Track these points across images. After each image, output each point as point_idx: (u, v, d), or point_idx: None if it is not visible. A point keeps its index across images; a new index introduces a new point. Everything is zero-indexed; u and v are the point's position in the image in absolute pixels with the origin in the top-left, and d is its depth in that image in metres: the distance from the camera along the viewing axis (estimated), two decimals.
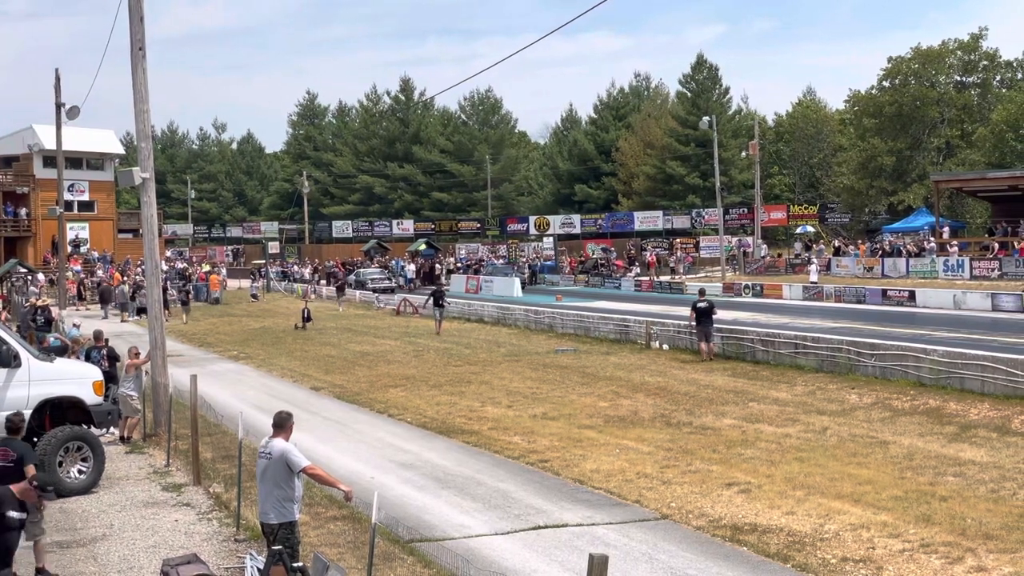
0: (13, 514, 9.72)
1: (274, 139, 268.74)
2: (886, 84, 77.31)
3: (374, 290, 63.97)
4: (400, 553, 12.29)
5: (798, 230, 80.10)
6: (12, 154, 75.54)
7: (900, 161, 75.53)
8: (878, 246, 62.57)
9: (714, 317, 30.45)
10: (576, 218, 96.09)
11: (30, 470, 11.80)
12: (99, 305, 53.66)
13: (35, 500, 10.08)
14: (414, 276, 75.36)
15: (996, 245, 53.25)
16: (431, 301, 43.16)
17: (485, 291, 64.39)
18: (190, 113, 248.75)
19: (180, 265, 78.78)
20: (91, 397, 16.82)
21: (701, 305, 30.23)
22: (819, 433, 18.97)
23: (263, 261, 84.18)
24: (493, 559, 12.21)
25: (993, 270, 50.01)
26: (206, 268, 75.97)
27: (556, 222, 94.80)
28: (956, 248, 55.21)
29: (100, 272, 67.51)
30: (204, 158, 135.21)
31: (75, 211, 74.26)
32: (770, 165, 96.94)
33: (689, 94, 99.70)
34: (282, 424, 10.66)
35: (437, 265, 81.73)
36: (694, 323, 30.38)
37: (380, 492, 10.93)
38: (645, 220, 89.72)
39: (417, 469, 17.16)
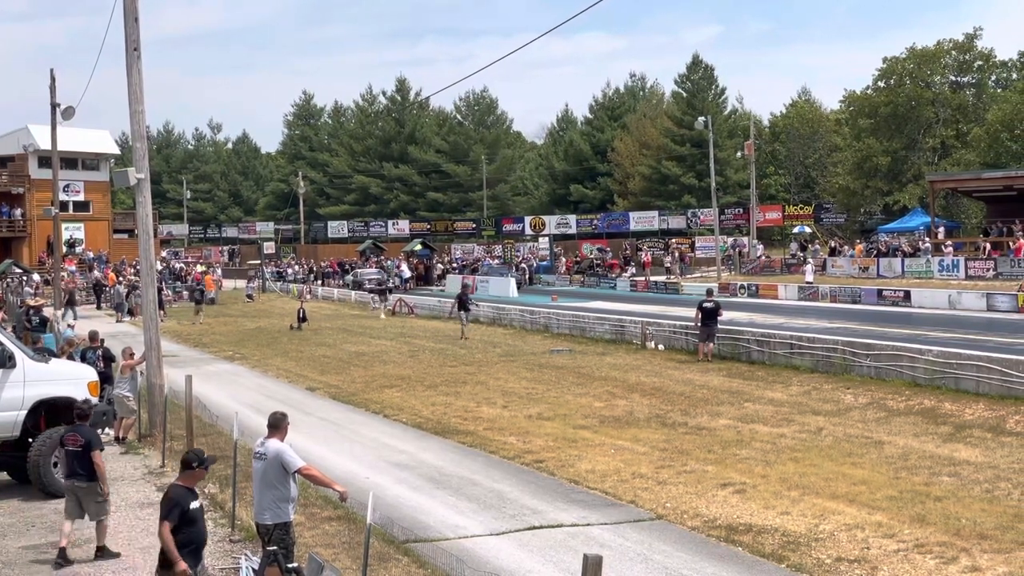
0: (195, 504, 9.68)
1: (270, 139, 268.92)
2: (881, 84, 77.31)
3: (371, 290, 63.93)
4: (395, 554, 12.30)
5: (794, 230, 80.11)
6: (7, 154, 75.38)
7: (895, 161, 75.54)
8: (873, 246, 62.57)
9: (719, 318, 30.44)
10: (572, 218, 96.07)
11: (98, 456, 12.70)
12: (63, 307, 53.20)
13: (203, 477, 9.99)
14: (409, 276, 75.26)
15: (988, 246, 53.29)
16: (456, 305, 40.91)
17: (481, 291, 64.32)
18: (186, 113, 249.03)
19: (177, 265, 78.79)
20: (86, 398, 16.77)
21: (708, 305, 30.18)
22: (814, 433, 19.00)
23: (258, 261, 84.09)
24: (488, 559, 12.21)
25: (988, 270, 50.03)
26: (201, 268, 75.91)
27: (552, 222, 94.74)
28: (951, 248, 55.26)
29: (96, 272, 67.44)
30: (200, 158, 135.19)
31: (70, 211, 74.08)
32: (766, 165, 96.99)
33: (685, 94, 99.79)
34: (277, 425, 10.70)
35: (439, 265, 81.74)
36: (699, 323, 30.28)
37: (375, 493, 10.92)
38: (641, 220, 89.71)
39: (412, 469, 17.17)
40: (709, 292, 33.23)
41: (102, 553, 12.72)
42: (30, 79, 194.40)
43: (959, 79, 78.09)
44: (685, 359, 30.04)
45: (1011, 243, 52.03)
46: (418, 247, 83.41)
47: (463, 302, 40.39)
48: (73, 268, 68.60)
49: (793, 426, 19.73)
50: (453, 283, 70.86)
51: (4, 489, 16.51)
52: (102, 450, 13.09)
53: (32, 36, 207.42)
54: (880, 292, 46.72)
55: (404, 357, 33.25)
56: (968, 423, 19.32)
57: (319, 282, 78.80)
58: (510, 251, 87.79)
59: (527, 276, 73.49)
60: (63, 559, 12.49)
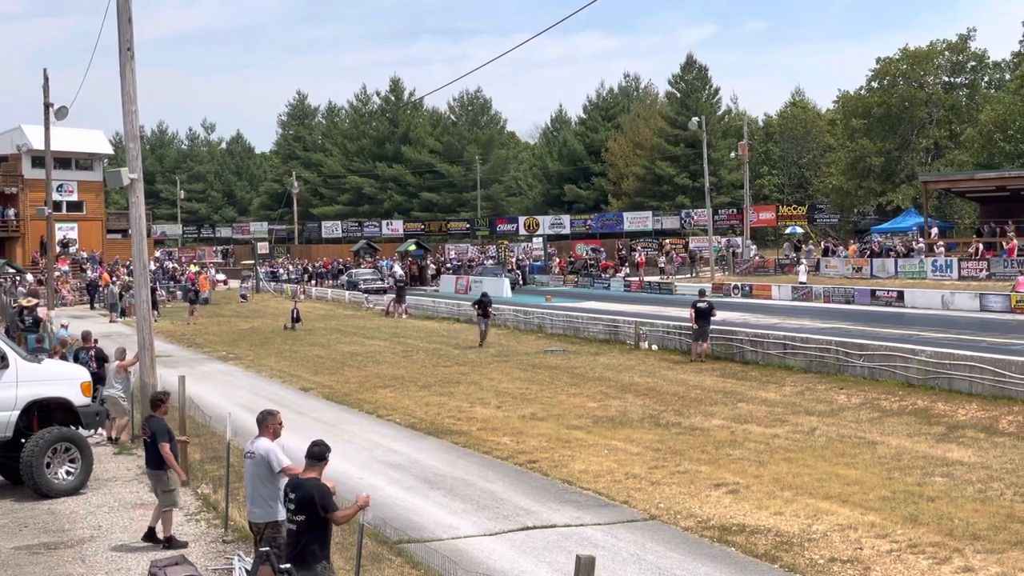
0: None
1: (264, 139, 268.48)
2: (874, 85, 77.47)
3: (366, 291, 63.86)
4: (388, 554, 12.30)
5: (787, 231, 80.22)
6: (0, 154, 75.23)
7: (889, 162, 75.67)
8: (867, 246, 62.65)
9: (712, 319, 30.43)
10: (566, 218, 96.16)
11: (164, 448, 13.08)
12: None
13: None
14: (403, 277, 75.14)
15: (981, 246, 53.37)
16: (476, 309, 37.67)
17: (475, 291, 64.25)
18: (179, 113, 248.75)
19: (170, 265, 78.68)
20: (79, 398, 16.76)
21: (701, 305, 30.15)
22: (807, 433, 19.01)
23: (252, 261, 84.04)
24: (481, 560, 12.21)
25: (981, 270, 50.13)
26: (194, 268, 75.84)
27: (546, 222, 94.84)
28: (943, 248, 55.34)
29: (89, 272, 67.35)
30: (193, 158, 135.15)
31: (64, 211, 73.87)
32: (759, 165, 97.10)
33: (678, 94, 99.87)
34: (263, 422, 10.89)
35: (432, 265, 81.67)
36: (694, 323, 30.25)
37: (368, 493, 10.91)
38: (634, 220, 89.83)
39: (406, 470, 17.16)
40: (702, 292, 33.20)
41: (169, 543, 13.00)
42: (24, 79, 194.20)
43: (952, 80, 78.27)
44: (679, 359, 30.05)
45: (1004, 243, 52.13)
46: (412, 247, 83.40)
47: (483, 307, 37.02)
48: (66, 268, 68.50)
49: (786, 426, 19.75)
50: (447, 283, 70.86)
51: None
52: (169, 441, 13.32)
53: (26, 36, 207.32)
54: (873, 292, 46.78)
55: (398, 357, 33.24)
56: (961, 423, 19.34)
57: (313, 282, 78.75)
58: (504, 251, 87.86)
59: (521, 276, 73.46)
60: (149, 537, 13.24)
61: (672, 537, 13.08)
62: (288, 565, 10.11)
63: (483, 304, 37.20)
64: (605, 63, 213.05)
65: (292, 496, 9.43)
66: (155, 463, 13.37)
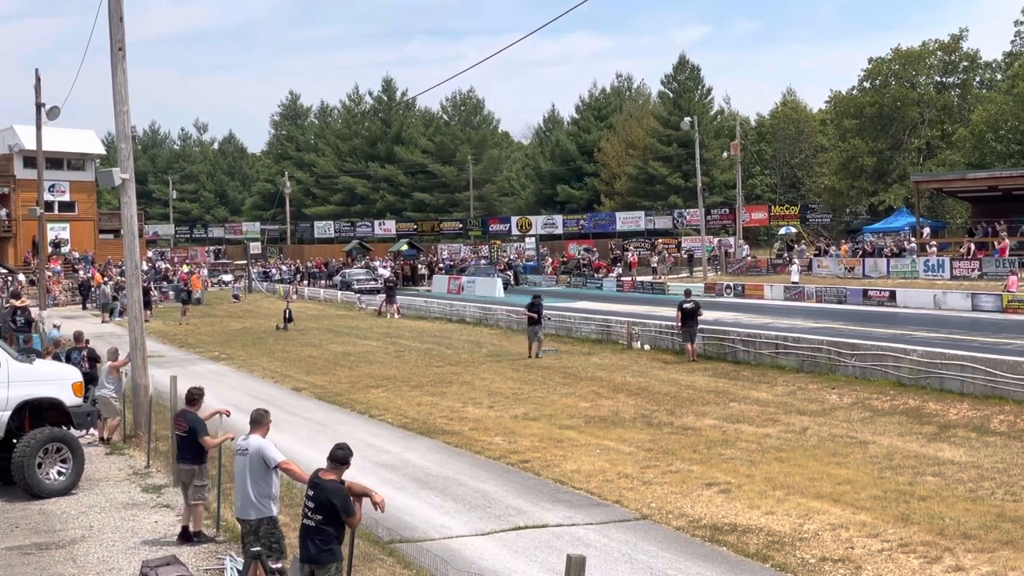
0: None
1: (256, 140, 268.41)
2: (867, 85, 77.58)
3: (359, 291, 63.81)
4: (380, 554, 12.30)
5: (780, 231, 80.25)
6: None
7: (881, 162, 75.77)
8: (859, 246, 62.72)
9: (699, 318, 30.44)
10: (558, 218, 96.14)
11: (207, 440, 13.16)
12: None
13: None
14: (391, 277, 75.05)
15: (973, 246, 53.48)
16: (529, 312, 32.93)
17: (467, 292, 64.33)
18: (172, 113, 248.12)
19: (163, 265, 78.56)
20: (71, 398, 16.72)
21: (687, 306, 30.17)
22: (799, 433, 19.04)
23: (244, 261, 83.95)
24: (473, 560, 12.21)
25: (973, 270, 50.19)
26: (186, 268, 75.76)
27: (538, 222, 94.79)
28: (935, 248, 55.42)
29: (81, 273, 67.24)
30: (186, 158, 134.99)
31: (56, 212, 73.72)
32: (752, 165, 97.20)
33: (671, 95, 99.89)
34: (259, 421, 10.88)
35: (421, 266, 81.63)
36: (680, 324, 30.30)
37: None
38: (627, 220, 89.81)
39: (398, 470, 17.16)
40: (687, 293, 33.11)
41: (199, 537, 13.10)
42: (16, 79, 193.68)
43: (944, 80, 78.38)
44: (671, 359, 30.07)
45: (996, 243, 52.23)
46: (404, 247, 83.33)
47: (535, 311, 32.70)
48: (58, 268, 68.35)
49: (778, 426, 19.78)
50: (439, 284, 70.82)
51: None
52: (207, 434, 13.40)
53: (19, 36, 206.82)
54: (865, 292, 46.85)
55: (390, 357, 33.23)
56: (952, 423, 19.38)
57: (305, 282, 78.67)
58: (497, 251, 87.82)
59: (514, 276, 73.43)
60: (184, 537, 13.17)
61: (664, 536, 13.10)
62: (280, 566, 10.13)
63: (535, 308, 32.83)
64: (598, 63, 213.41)
65: (311, 494, 9.45)
66: (192, 457, 13.32)
